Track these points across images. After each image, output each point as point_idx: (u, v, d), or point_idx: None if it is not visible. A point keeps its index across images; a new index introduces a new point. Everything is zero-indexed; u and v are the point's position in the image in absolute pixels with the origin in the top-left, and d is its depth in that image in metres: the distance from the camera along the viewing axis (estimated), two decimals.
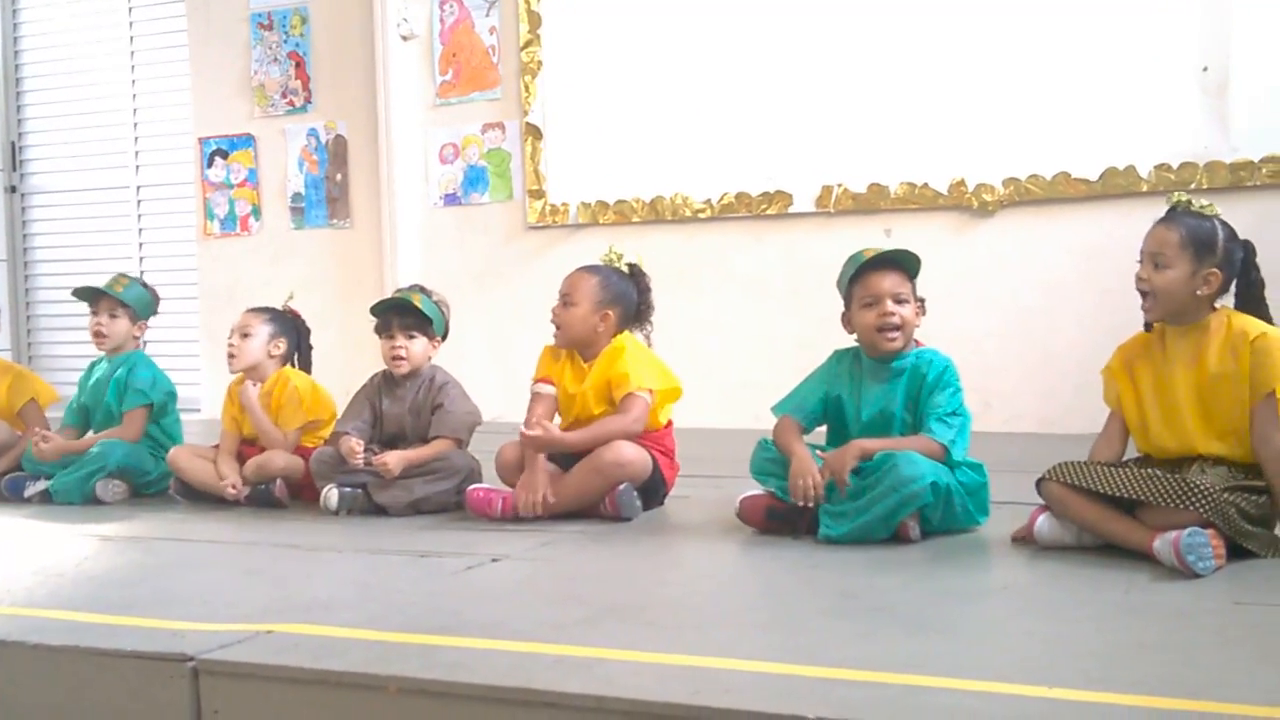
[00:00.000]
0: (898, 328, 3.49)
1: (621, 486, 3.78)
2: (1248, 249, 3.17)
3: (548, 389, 3.99)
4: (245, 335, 4.44)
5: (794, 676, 2.19)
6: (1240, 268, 3.15)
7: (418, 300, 4.16)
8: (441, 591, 2.95)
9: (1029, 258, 5.84)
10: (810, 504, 3.36)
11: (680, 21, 6.51)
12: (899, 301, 3.51)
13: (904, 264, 3.56)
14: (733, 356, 6.39)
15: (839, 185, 6.20)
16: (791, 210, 6.33)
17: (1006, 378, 5.80)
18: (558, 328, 4.00)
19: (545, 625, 2.56)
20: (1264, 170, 5.35)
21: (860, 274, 3.50)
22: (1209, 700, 2.00)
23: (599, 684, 2.15)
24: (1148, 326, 3.26)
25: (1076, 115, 5.69)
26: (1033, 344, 5.73)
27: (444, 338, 4.33)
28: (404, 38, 7.08)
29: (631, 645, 2.39)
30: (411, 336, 4.16)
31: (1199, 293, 3.11)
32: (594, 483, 3.78)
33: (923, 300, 5.94)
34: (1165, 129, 5.53)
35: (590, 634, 2.49)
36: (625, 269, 4.07)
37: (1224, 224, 3.15)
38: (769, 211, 6.37)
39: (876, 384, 3.56)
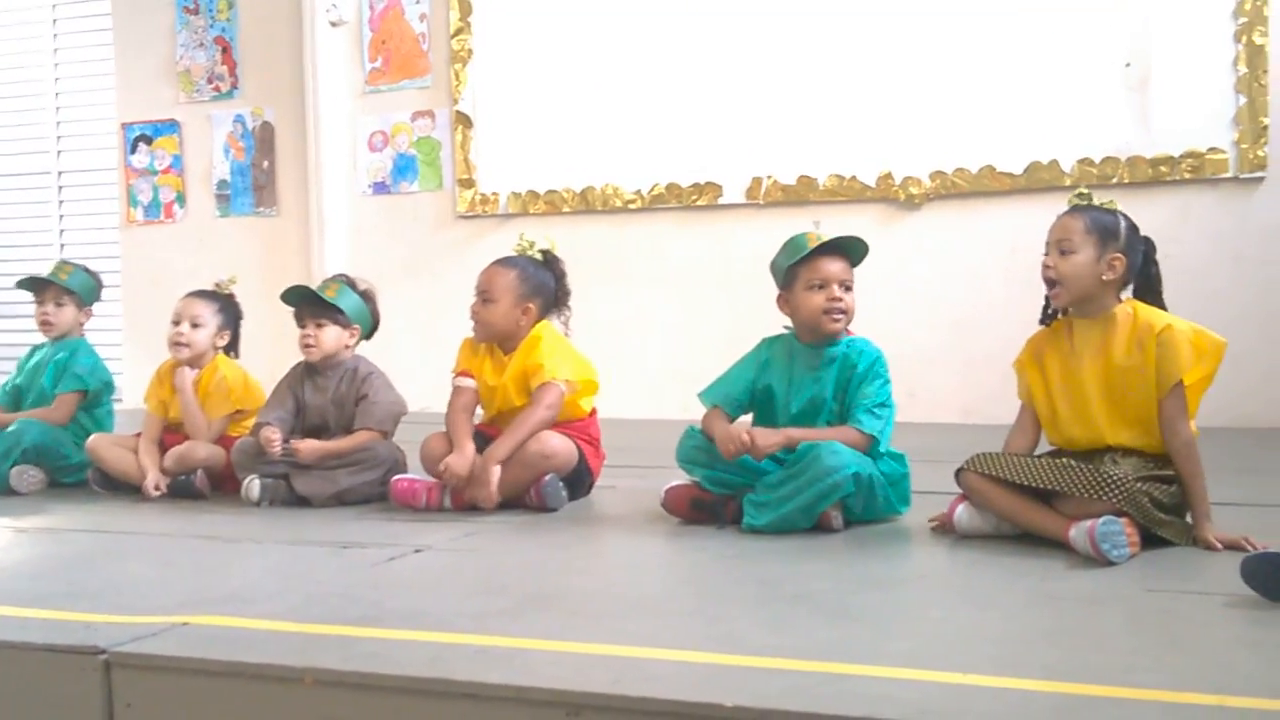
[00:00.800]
0: (844, 312, 3.52)
1: (547, 477, 3.77)
2: (1148, 244, 3.23)
3: (468, 382, 3.97)
4: (196, 325, 4.38)
5: (714, 665, 2.20)
6: (1141, 261, 3.20)
7: (331, 292, 4.11)
8: (362, 582, 2.92)
9: (954, 250, 5.91)
10: (739, 455, 3.37)
11: (612, 12, 6.51)
12: (846, 288, 3.53)
13: (852, 252, 3.59)
14: (663, 346, 6.40)
15: (768, 177, 6.23)
16: (721, 201, 6.35)
17: (931, 368, 5.87)
18: (476, 324, 3.97)
19: (466, 616, 2.55)
20: (1184, 165, 5.45)
21: (810, 257, 3.51)
22: (1117, 686, 2.03)
23: (519, 674, 2.15)
24: (1044, 321, 3.31)
25: (1002, 110, 5.76)
26: (957, 335, 5.80)
27: (374, 327, 4.29)
28: (333, 24, 7.02)
29: (552, 635, 2.39)
30: (320, 325, 4.12)
31: (1105, 278, 3.16)
32: (519, 474, 3.76)
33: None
34: (1088, 124, 5.61)
35: (511, 624, 2.48)
36: (539, 256, 4.04)
37: (1125, 217, 3.20)
38: (699, 202, 6.39)
39: (808, 371, 3.58)
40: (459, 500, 3.77)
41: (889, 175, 6.00)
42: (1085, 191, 3.25)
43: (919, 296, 5.97)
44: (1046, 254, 3.21)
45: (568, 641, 2.34)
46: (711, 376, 3.71)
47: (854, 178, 6.07)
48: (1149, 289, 3.24)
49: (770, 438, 3.39)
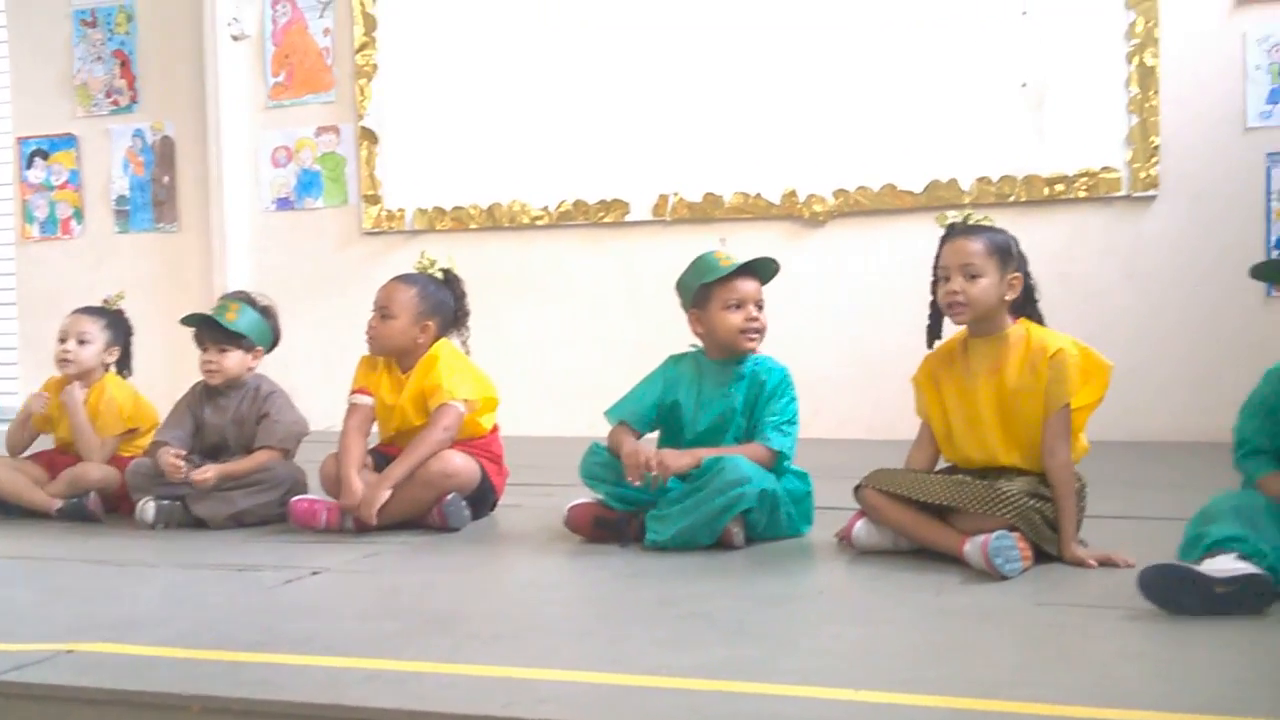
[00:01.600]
0: (760, 331, 3.54)
1: (449, 496, 3.74)
2: (1022, 257, 3.29)
3: (364, 400, 3.93)
4: (82, 341, 4.28)
5: (608, 686, 2.20)
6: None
7: (231, 314, 4.05)
8: (256, 607, 2.88)
9: (857, 267, 5.98)
10: (644, 483, 3.37)
11: (519, 28, 6.50)
12: (759, 307, 3.56)
13: (764, 272, 3.61)
14: (570, 364, 6.40)
15: (675, 194, 6.26)
16: (628, 219, 6.37)
17: (835, 384, 5.93)
18: (372, 339, 3.93)
19: (361, 639, 2.52)
20: (1079, 184, 5.57)
21: (727, 277, 3.53)
22: (1004, 700, 2.06)
23: (411, 699, 2.12)
24: (930, 341, 3.34)
25: (902, 129, 5.84)
26: (861, 351, 5.86)
27: (274, 344, 4.23)
28: (234, 37, 6.93)
29: (447, 658, 2.36)
30: (224, 350, 4.05)
31: (1006, 297, 3.21)
32: (421, 493, 3.73)
33: None
34: (986, 143, 5.71)
35: (406, 647, 2.45)
36: (439, 275, 4.02)
37: (1006, 233, 3.26)
38: (606, 219, 6.40)
39: (717, 388, 3.59)
40: (360, 522, 3.73)
41: (793, 193, 6.06)
42: (966, 214, 3.28)
43: (823, 313, 6.03)
44: (945, 278, 3.21)
45: (462, 664, 2.32)
46: (619, 393, 3.71)
47: (759, 195, 6.12)
48: (1027, 301, 3.29)
49: (679, 459, 3.40)
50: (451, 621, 2.68)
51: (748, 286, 3.53)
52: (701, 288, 3.55)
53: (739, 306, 3.52)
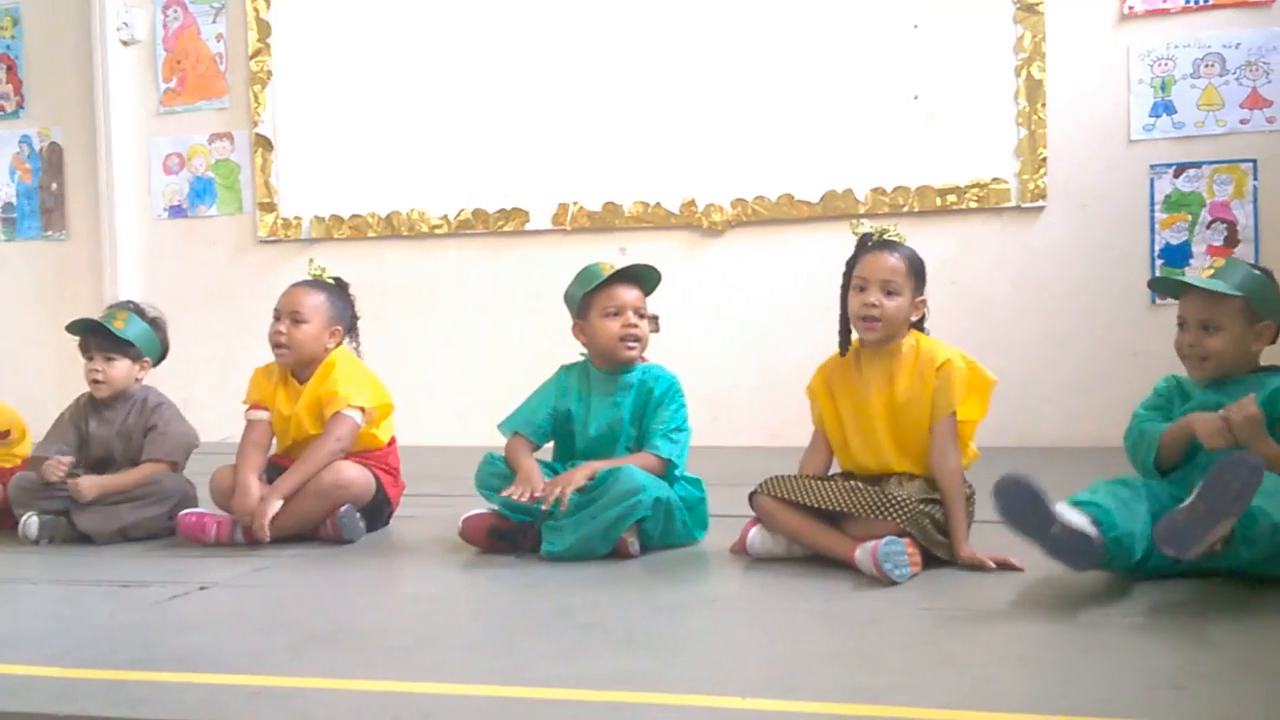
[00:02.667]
0: (639, 339, 3.54)
1: (343, 508, 3.70)
2: None
3: (260, 415, 3.87)
4: None
5: (496, 698, 2.19)
6: None
7: (120, 322, 3.96)
8: (139, 623, 2.82)
9: (756, 276, 6.03)
10: (533, 503, 3.36)
11: (417, 35, 6.46)
12: (640, 315, 3.56)
13: (645, 281, 3.62)
14: (469, 373, 6.36)
15: (575, 203, 6.26)
16: (529, 227, 6.35)
17: (734, 392, 5.97)
18: (284, 348, 3.86)
19: (246, 655, 2.48)
20: (969, 194, 5.67)
21: (605, 285, 3.53)
22: (888, 705, 2.09)
23: (294, 715, 2.10)
24: (843, 351, 3.38)
25: (799, 140, 5.90)
26: (760, 359, 5.90)
27: (162, 356, 4.15)
28: (124, 42, 6.80)
29: (334, 673, 2.34)
30: (110, 359, 3.96)
31: (912, 318, 3.27)
32: (314, 505, 3.69)
33: (656, 317, 6.11)
34: (880, 154, 5.79)
35: (292, 663, 2.42)
36: (332, 282, 3.99)
37: (917, 252, 3.31)
38: (506, 228, 6.38)
39: (604, 397, 3.60)
40: (251, 534, 3.67)
41: (692, 202, 6.09)
42: (884, 227, 3.30)
43: (723, 321, 6.07)
44: (862, 289, 3.23)
45: (348, 680, 2.29)
46: (518, 402, 3.71)
47: (659, 204, 6.14)
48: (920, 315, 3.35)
49: (573, 475, 3.39)
50: (340, 636, 2.65)
51: (626, 294, 3.54)
52: (583, 297, 3.55)
53: (617, 314, 3.53)
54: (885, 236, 3.28)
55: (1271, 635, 2.45)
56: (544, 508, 3.34)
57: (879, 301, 3.20)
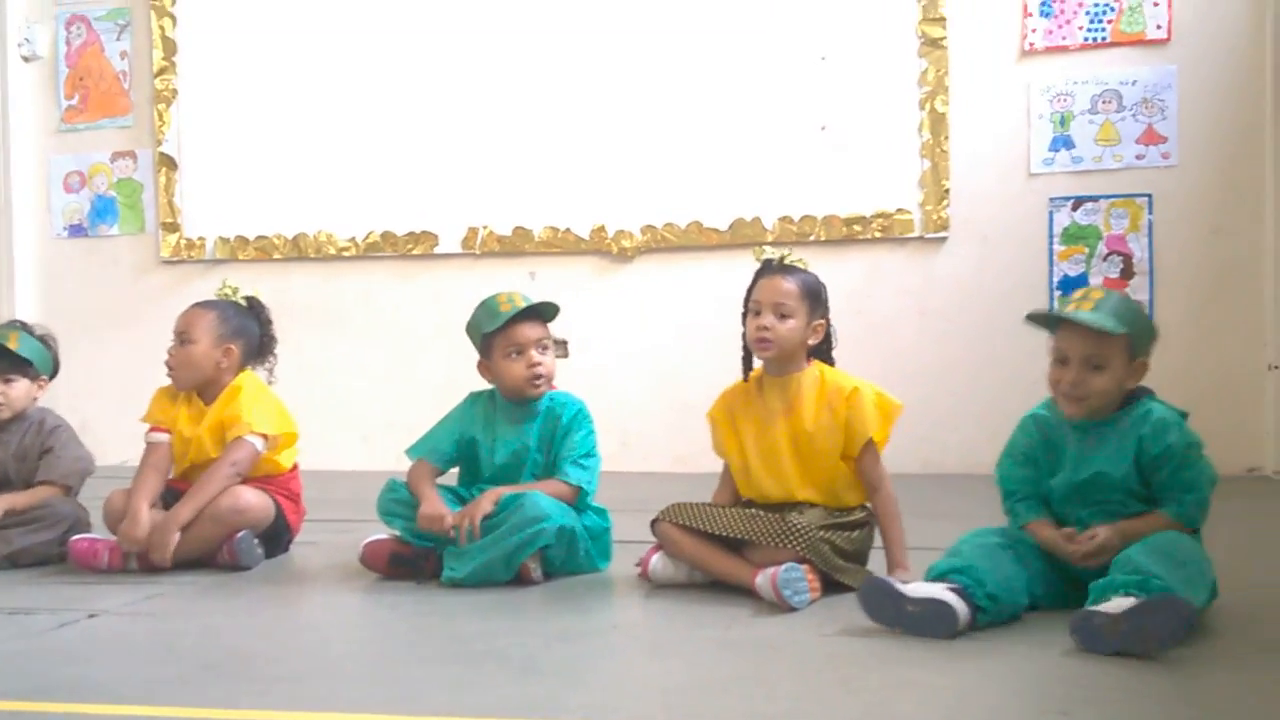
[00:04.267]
0: (544, 375, 3.54)
1: (240, 534, 3.64)
2: None
3: (159, 438, 3.80)
4: None
5: None
6: None
7: (14, 341, 3.88)
8: (26, 652, 2.74)
9: (665, 302, 6.05)
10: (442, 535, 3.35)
11: (326, 56, 6.41)
12: (543, 349, 3.55)
13: (544, 313, 3.61)
14: (377, 397, 6.31)
15: (485, 227, 6.24)
16: (437, 251, 6.32)
17: (644, 418, 5.98)
18: (174, 369, 3.82)
19: (135, 685, 2.43)
20: (875, 224, 5.75)
21: (505, 325, 3.51)
22: None
23: None
24: (746, 375, 3.40)
25: (708, 168, 5.95)
26: (669, 385, 5.92)
27: (54, 374, 4.06)
28: (25, 58, 6.67)
29: (222, 703, 2.30)
30: (9, 380, 3.88)
31: (809, 342, 3.30)
32: (210, 530, 3.62)
33: (564, 342, 6.11)
34: (788, 183, 5.85)
35: (181, 693, 2.37)
36: (243, 302, 3.94)
37: (818, 278, 3.34)
38: (415, 251, 6.34)
39: (511, 426, 3.59)
40: (145, 560, 3.59)
41: (602, 228, 6.11)
42: (783, 253, 3.34)
43: (632, 347, 6.08)
44: (757, 314, 3.27)
45: (238, 710, 2.25)
46: (424, 428, 3.68)
47: (569, 230, 6.15)
48: (823, 344, 3.38)
49: (479, 504, 3.37)
50: (232, 665, 2.60)
51: (527, 333, 3.52)
52: (484, 337, 3.54)
53: (520, 353, 3.52)
54: (785, 262, 3.32)
55: (1159, 658, 2.50)
56: (460, 541, 3.31)
57: (771, 324, 3.24)
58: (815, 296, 3.29)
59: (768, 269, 3.32)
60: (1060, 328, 2.95)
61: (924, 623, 2.68)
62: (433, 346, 6.17)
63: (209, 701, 2.30)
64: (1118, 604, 2.55)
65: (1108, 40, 5.54)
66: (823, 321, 3.32)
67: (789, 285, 3.26)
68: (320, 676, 2.50)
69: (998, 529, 2.98)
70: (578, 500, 3.48)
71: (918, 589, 2.73)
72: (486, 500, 3.38)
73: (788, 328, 3.25)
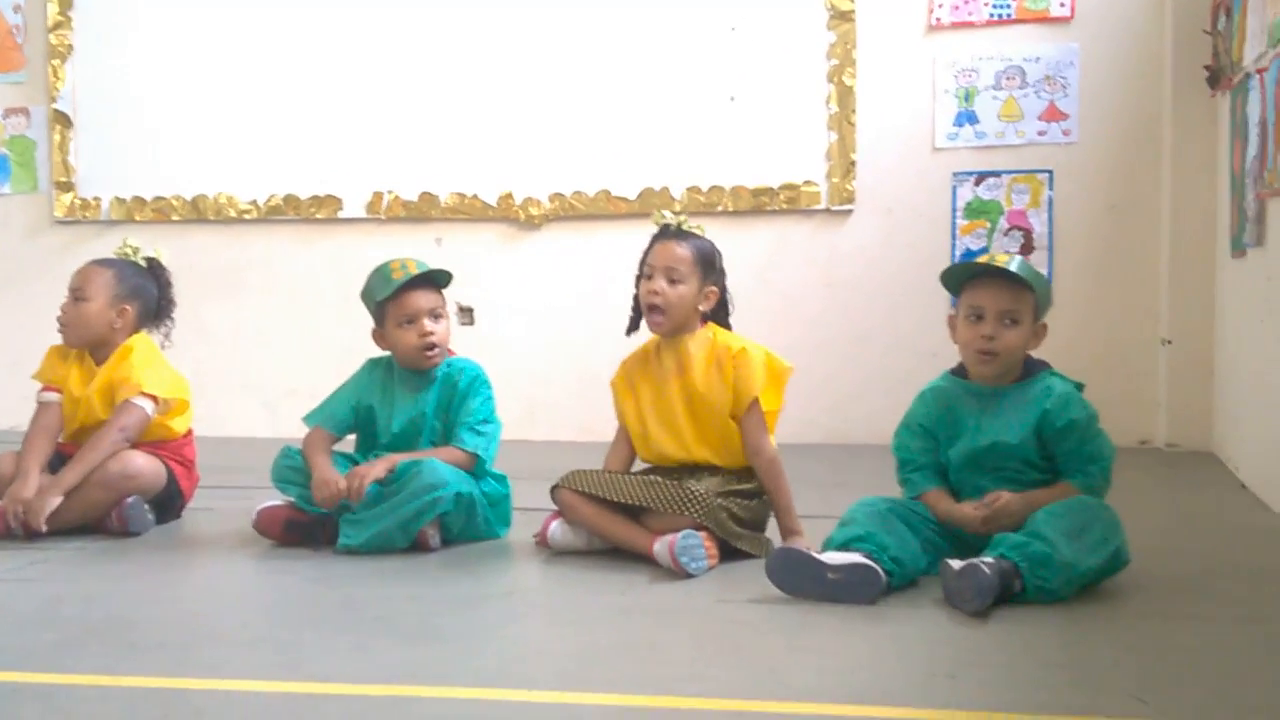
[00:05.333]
0: (437, 345, 3.50)
1: (130, 499, 3.56)
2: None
3: (50, 397, 3.72)
4: None
5: (275, 694, 2.13)
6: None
7: None
8: None
9: (573, 271, 6.01)
10: (332, 509, 3.31)
11: (228, 12, 6.25)
12: (436, 318, 3.51)
13: (438, 281, 3.57)
14: (279, 363, 6.20)
15: (390, 192, 6.15)
16: (341, 215, 6.22)
17: (549, 387, 5.95)
18: (65, 326, 3.74)
19: (13, 652, 2.37)
20: (781, 196, 5.76)
21: (397, 293, 3.47)
22: (674, 696, 2.10)
23: (56, 713, 2.01)
24: (629, 332, 3.41)
25: (618, 137, 5.91)
26: (575, 354, 5.89)
27: None
28: None
29: (104, 670, 2.25)
30: None
31: (700, 307, 3.30)
32: (98, 495, 3.54)
33: (470, 309, 6.06)
34: (697, 154, 5.84)
35: (62, 659, 2.32)
36: (143, 263, 3.85)
37: (713, 245, 3.35)
38: (318, 215, 6.23)
39: (408, 393, 3.56)
40: (27, 526, 3.49)
41: (510, 195, 6.05)
42: (681, 218, 3.35)
43: (539, 314, 6.04)
44: (650, 277, 3.29)
45: (120, 676, 2.21)
46: (328, 393, 3.63)
47: (476, 196, 6.08)
48: (720, 311, 3.39)
49: (374, 468, 3.33)
50: (116, 631, 2.54)
51: (419, 301, 3.49)
52: (377, 305, 3.50)
53: (412, 322, 3.48)
54: (682, 227, 3.32)
55: (1047, 621, 2.54)
56: (351, 500, 3.28)
57: (662, 289, 3.26)
58: (708, 263, 3.30)
59: (664, 234, 3.32)
60: (974, 285, 2.99)
61: (848, 589, 2.69)
62: (335, 312, 6.06)
63: (90, 668, 2.25)
64: (975, 561, 2.64)
65: (1013, 17, 5.58)
66: (715, 288, 3.32)
67: (682, 251, 3.27)
68: (206, 643, 2.46)
69: (886, 498, 3.01)
70: (475, 467, 3.46)
71: (835, 557, 2.74)
72: (380, 465, 3.35)
73: (678, 293, 3.26)
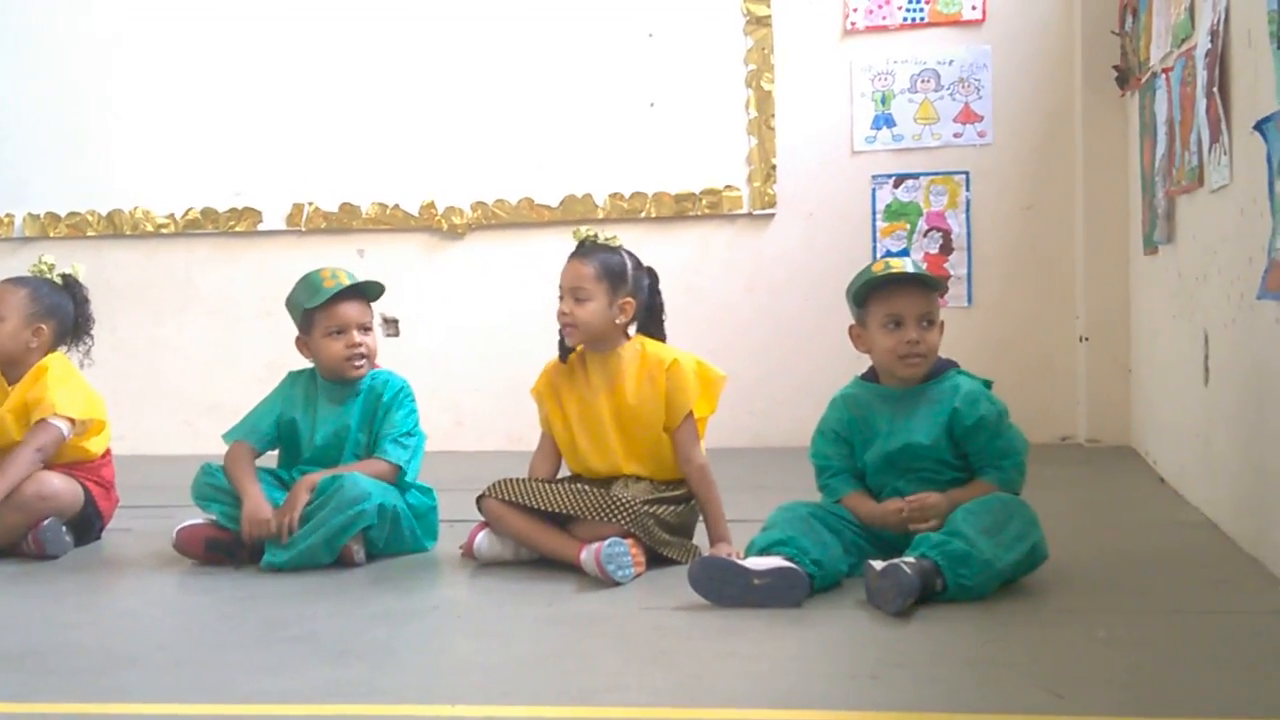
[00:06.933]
0: (365, 356, 3.47)
1: (46, 521, 3.50)
2: (652, 275, 3.39)
3: None
4: None
5: (198, 716, 2.10)
6: (646, 294, 3.36)
7: None
8: None
9: (497, 280, 6.00)
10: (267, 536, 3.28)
11: (142, 23, 6.17)
12: (365, 330, 3.49)
13: (369, 293, 3.55)
14: (197, 379, 6.12)
15: (310, 204, 6.10)
16: (261, 228, 6.15)
17: (477, 397, 5.93)
18: None
19: None
20: (704, 201, 5.79)
21: (327, 303, 3.44)
22: (597, 705, 2.11)
23: None
24: (563, 357, 3.40)
25: (539, 144, 5.91)
26: (501, 363, 5.87)
27: None
28: None
29: (20, 696, 2.21)
30: None
31: (617, 321, 3.30)
32: (13, 517, 3.47)
33: (395, 321, 6.02)
34: (618, 160, 5.84)
35: None
36: (58, 280, 3.79)
37: (630, 254, 3.35)
38: (238, 228, 6.17)
39: (332, 405, 3.53)
40: None
41: (432, 204, 6.02)
42: (591, 233, 3.35)
43: (464, 324, 6.02)
44: (561, 298, 3.30)
45: (33, 703, 2.17)
46: (247, 409, 3.59)
47: (397, 206, 6.04)
48: (651, 319, 3.39)
49: (295, 500, 3.29)
50: (29, 656, 2.49)
51: (349, 312, 3.47)
52: (305, 313, 3.47)
53: (340, 333, 3.46)
54: (594, 241, 3.33)
55: (968, 619, 2.57)
56: (282, 539, 3.25)
57: (569, 310, 3.27)
58: (615, 276, 3.29)
59: (574, 253, 3.34)
60: (886, 293, 3.01)
61: (774, 593, 2.70)
62: (257, 327, 6.01)
63: (5, 695, 2.21)
64: (896, 562, 2.67)
65: (926, 20, 5.65)
66: (629, 299, 3.31)
67: (585, 269, 3.27)
68: (127, 666, 2.42)
69: (806, 502, 3.03)
70: (398, 479, 3.43)
71: (758, 562, 2.75)
72: (302, 491, 3.31)
73: (587, 311, 3.26)
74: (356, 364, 3.48)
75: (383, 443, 3.47)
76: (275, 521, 3.27)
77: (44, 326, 3.69)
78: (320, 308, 3.46)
